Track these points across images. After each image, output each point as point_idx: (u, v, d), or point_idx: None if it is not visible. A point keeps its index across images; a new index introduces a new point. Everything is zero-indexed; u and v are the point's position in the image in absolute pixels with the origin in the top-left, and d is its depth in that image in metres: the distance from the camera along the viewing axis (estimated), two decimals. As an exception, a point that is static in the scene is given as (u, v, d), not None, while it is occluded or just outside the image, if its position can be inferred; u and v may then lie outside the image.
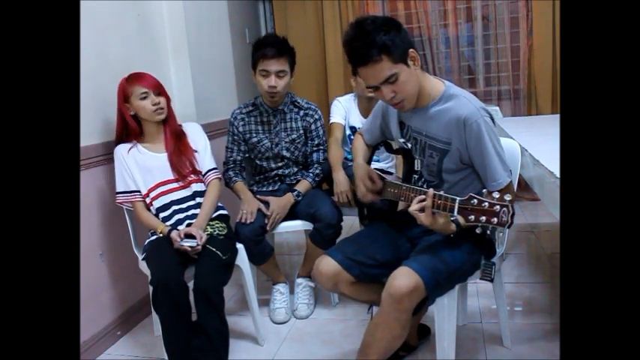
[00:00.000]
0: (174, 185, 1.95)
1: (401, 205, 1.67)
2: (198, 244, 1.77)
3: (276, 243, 2.60)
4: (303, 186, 2.26)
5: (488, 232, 1.24)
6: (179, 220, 1.91)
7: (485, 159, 1.44)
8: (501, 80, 3.77)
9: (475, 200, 1.24)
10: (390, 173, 2.15)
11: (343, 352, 1.92)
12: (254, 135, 2.29)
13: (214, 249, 1.80)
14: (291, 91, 2.34)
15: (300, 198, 2.22)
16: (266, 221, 2.12)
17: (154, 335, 2.07)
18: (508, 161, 1.50)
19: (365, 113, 2.41)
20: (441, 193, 1.34)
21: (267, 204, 2.17)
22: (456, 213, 1.28)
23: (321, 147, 2.34)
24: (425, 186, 1.58)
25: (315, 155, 2.33)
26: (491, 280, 1.48)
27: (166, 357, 1.71)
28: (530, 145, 1.80)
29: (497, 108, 3.28)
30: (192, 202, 1.96)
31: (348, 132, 2.47)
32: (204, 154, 2.04)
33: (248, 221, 2.08)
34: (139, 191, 1.92)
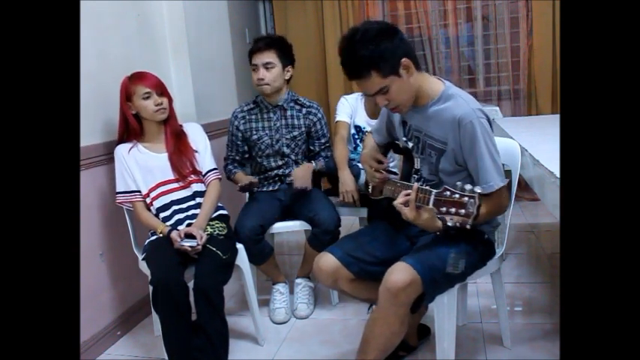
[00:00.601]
0: (175, 185, 1.95)
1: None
2: (198, 244, 1.77)
3: (276, 243, 2.60)
4: (318, 163, 2.31)
5: (459, 224, 1.24)
6: (179, 220, 1.91)
7: (477, 160, 1.43)
8: (501, 80, 3.77)
9: (448, 192, 1.26)
10: (395, 173, 2.15)
11: (343, 352, 1.93)
12: (254, 132, 2.30)
13: (214, 249, 1.80)
14: (292, 90, 2.36)
15: (317, 167, 2.27)
16: (298, 187, 2.13)
17: (153, 335, 2.07)
18: (508, 161, 1.49)
19: (370, 113, 2.41)
20: (424, 186, 1.35)
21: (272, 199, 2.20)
22: (431, 205, 1.30)
23: (328, 144, 2.38)
24: (424, 185, 1.58)
25: (322, 154, 2.36)
26: (459, 274, 1.47)
27: (166, 357, 1.71)
28: (530, 145, 1.80)
29: (497, 108, 3.27)
30: (192, 202, 1.96)
31: (352, 131, 2.46)
32: (205, 154, 2.04)
33: (246, 183, 2.09)
34: (139, 191, 1.93)
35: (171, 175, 1.95)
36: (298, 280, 2.32)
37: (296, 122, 2.31)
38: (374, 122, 2.03)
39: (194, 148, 2.02)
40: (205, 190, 2.00)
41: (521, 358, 1.80)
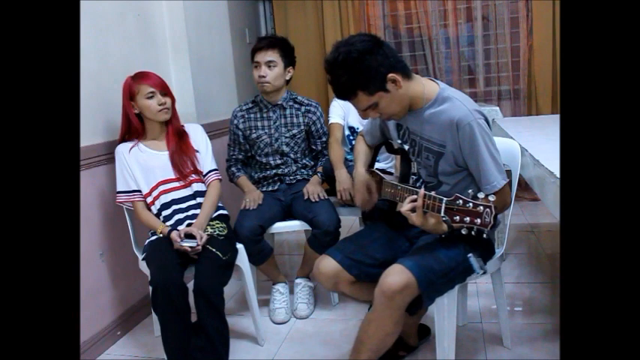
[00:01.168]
0: (176, 184, 1.95)
1: (399, 205, 1.67)
2: (198, 245, 1.77)
3: (276, 243, 2.60)
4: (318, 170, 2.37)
5: (473, 232, 1.23)
6: (179, 220, 1.91)
7: (479, 162, 1.43)
8: (501, 80, 3.77)
9: (460, 201, 1.24)
10: (391, 173, 2.15)
11: (343, 352, 1.92)
12: (254, 131, 2.31)
13: (214, 249, 1.80)
14: (291, 90, 2.36)
15: (320, 175, 2.33)
16: (310, 198, 2.19)
17: (154, 335, 2.08)
18: (508, 161, 1.49)
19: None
20: (432, 193, 1.34)
21: (269, 200, 2.20)
22: (442, 213, 1.28)
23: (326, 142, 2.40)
24: (423, 187, 1.58)
25: (325, 152, 2.39)
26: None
27: (166, 357, 1.71)
28: (530, 145, 1.80)
29: (498, 108, 3.27)
30: (192, 202, 1.96)
31: (347, 132, 2.47)
32: (206, 154, 2.05)
33: (251, 208, 2.16)
34: (139, 191, 1.93)
35: (172, 174, 1.95)
36: (298, 280, 2.32)
37: (295, 120, 2.31)
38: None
39: (195, 149, 2.03)
40: (206, 191, 2.00)
41: (521, 358, 1.80)
